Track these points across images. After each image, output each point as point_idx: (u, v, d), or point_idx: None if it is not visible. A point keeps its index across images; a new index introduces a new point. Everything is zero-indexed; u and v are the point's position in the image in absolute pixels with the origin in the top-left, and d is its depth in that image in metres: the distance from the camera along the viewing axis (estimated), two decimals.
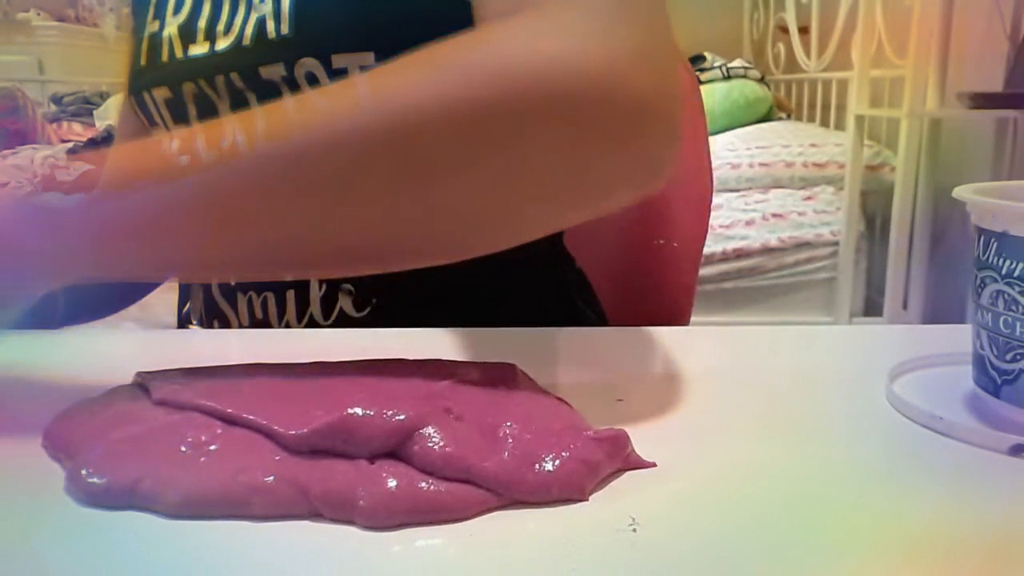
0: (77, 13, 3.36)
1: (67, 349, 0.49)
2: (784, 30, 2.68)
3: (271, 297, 0.57)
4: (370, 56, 0.51)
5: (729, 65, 2.64)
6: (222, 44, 0.54)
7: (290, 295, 0.56)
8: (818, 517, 0.28)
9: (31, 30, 3.12)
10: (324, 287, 0.56)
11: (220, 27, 0.54)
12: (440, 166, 0.37)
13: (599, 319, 0.66)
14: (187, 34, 0.56)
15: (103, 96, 2.96)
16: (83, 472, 0.29)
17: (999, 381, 0.34)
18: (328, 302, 0.56)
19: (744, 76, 2.62)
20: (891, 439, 0.34)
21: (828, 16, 2.33)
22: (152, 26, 0.58)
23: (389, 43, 0.48)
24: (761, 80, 2.67)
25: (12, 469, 0.31)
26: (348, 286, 0.56)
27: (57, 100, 2.97)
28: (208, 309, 0.61)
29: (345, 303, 0.56)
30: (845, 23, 2.18)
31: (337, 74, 0.51)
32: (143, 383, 0.35)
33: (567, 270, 0.65)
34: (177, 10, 0.57)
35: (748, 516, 0.27)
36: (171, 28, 0.57)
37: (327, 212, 0.37)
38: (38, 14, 3.18)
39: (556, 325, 0.56)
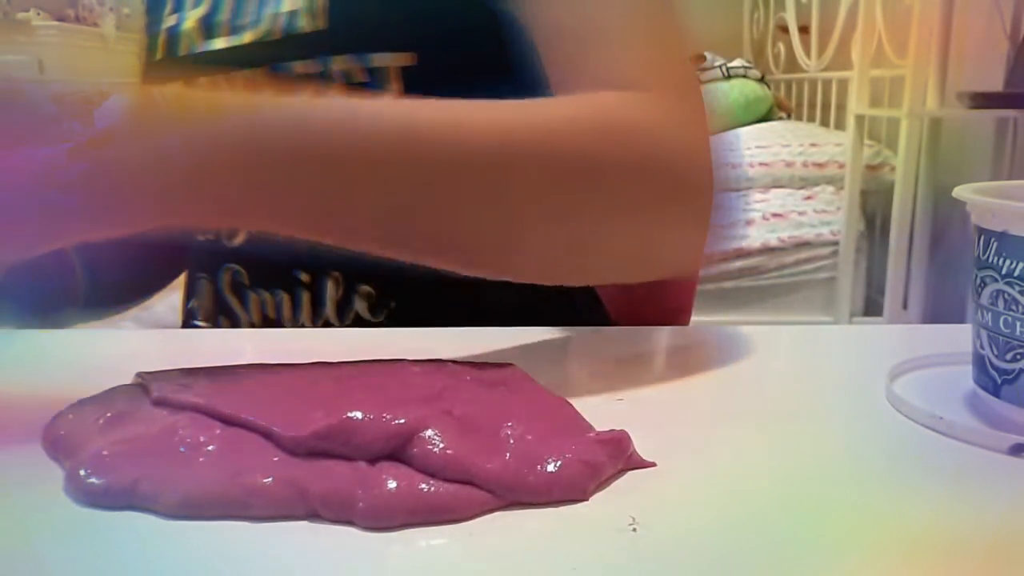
0: (77, 13, 3.36)
1: (67, 349, 0.49)
2: (784, 30, 2.68)
3: (286, 298, 0.56)
4: (411, 57, 0.50)
5: (729, 65, 2.65)
6: (247, 38, 0.53)
7: (305, 297, 0.56)
8: (818, 517, 0.28)
9: (31, 30, 3.12)
10: (341, 289, 0.55)
11: (244, 20, 0.53)
12: (571, 198, 0.41)
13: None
14: (208, 27, 0.54)
15: (103, 96, 2.95)
16: (82, 472, 0.29)
17: (999, 381, 0.34)
18: (343, 305, 0.55)
19: (744, 76, 2.62)
20: (891, 439, 0.34)
21: (828, 16, 2.33)
22: (170, 20, 0.57)
23: (430, 44, 0.49)
24: (761, 80, 2.67)
25: (11, 469, 0.31)
26: (367, 287, 0.55)
27: (57, 100, 2.96)
28: (218, 306, 0.60)
29: (361, 307, 0.55)
30: (845, 23, 2.18)
31: (375, 74, 0.51)
32: (143, 383, 0.35)
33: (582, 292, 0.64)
34: (197, 3, 0.56)
35: (748, 516, 0.27)
36: (190, 21, 0.55)
37: (462, 209, 0.40)
38: (38, 14, 3.18)
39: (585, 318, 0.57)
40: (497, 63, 0.49)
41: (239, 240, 0.58)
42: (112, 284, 0.65)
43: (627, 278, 0.47)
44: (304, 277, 0.56)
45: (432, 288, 0.53)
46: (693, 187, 0.44)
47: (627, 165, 0.42)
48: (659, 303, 0.74)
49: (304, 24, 0.51)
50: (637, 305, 0.74)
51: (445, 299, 0.54)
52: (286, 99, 0.39)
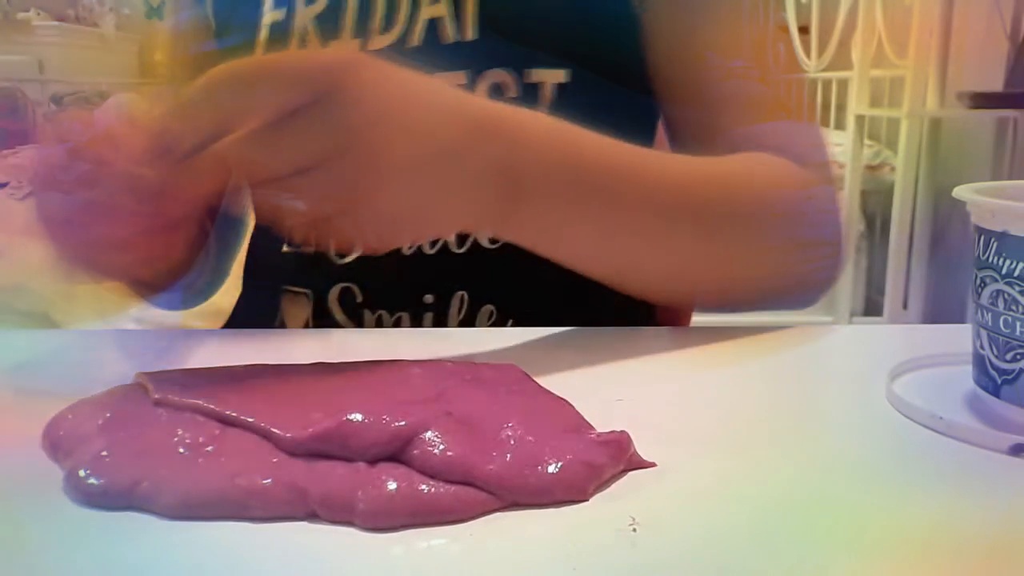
0: (77, 13, 3.36)
1: (67, 349, 0.48)
2: (784, 29, 2.68)
3: (406, 317, 0.55)
4: (564, 74, 0.50)
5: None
6: (377, 42, 0.50)
7: (428, 316, 0.54)
8: (818, 517, 0.28)
9: (31, 30, 3.12)
10: (465, 309, 0.54)
11: (374, 23, 0.51)
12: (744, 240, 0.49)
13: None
14: (328, 28, 0.51)
15: (103, 96, 2.96)
16: (81, 473, 0.28)
17: (999, 381, 0.34)
18: (465, 325, 0.54)
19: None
20: (891, 439, 0.34)
21: (828, 16, 2.33)
22: (274, 14, 0.53)
23: (582, 60, 0.50)
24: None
25: (10, 469, 0.31)
26: (489, 306, 0.54)
27: (57, 100, 2.97)
28: (320, 323, 0.56)
29: (482, 326, 0.54)
30: (845, 23, 2.18)
31: (529, 90, 0.50)
32: (143, 383, 0.35)
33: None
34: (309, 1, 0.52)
35: (748, 516, 0.27)
36: (302, 16, 0.52)
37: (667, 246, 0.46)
38: (38, 14, 3.18)
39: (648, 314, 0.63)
40: (637, 81, 0.54)
41: (350, 259, 0.55)
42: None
43: (764, 307, 0.56)
44: (428, 298, 0.54)
45: (547, 302, 0.54)
46: (829, 246, 0.54)
47: (793, 219, 0.50)
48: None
49: (450, 33, 0.49)
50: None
51: (559, 313, 0.53)
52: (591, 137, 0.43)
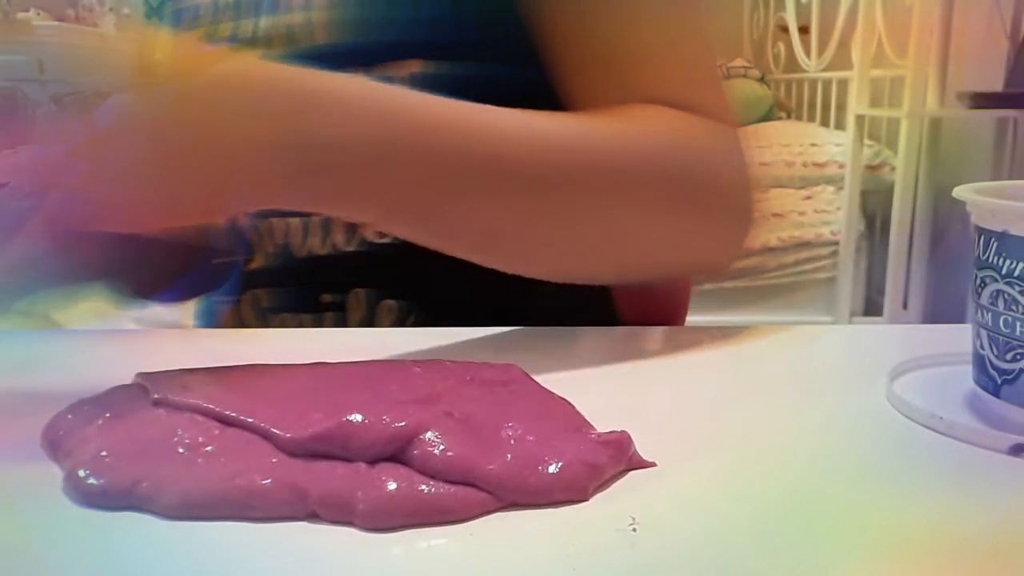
0: (77, 13, 3.36)
1: (67, 349, 0.48)
2: (784, 29, 2.68)
3: (307, 320, 0.56)
4: (418, 63, 0.50)
5: (729, 64, 2.65)
6: (252, 52, 0.52)
7: (328, 317, 0.55)
8: (818, 516, 0.27)
9: (31, 30, 3.12)
10: (364, 307, 0.55)
11: (245, 33, 0.53)
12: (645, 206, 0.45)
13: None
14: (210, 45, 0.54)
15: (103, 96, 2.95)
16: (81, 473, 0.28)
17: (999, 381, 0.34)
18: (367, 323, 0.55)
19: (744, 75, 2.62)
20: (891, 439, 0.34)
21: (828, 15, 2.33)
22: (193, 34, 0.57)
23: (436, 49, 0.49)
24: (761, 79, 2.67)
25: (10, 469, 0.31)
26: (390, 302, 0.55)
27: (57, 100, 2.96)
28: (236, 326, 0.60)
29: (385, 324, 0.55)
30: (845, 23, 2.18)
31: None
32: (142, 383, 0.35)
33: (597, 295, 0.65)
34: (196, 23, 0.55)
35: (748, 516, 0.27)
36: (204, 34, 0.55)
37: (560, 220, 0.43)
38: (38, 14, 3.18)
39: (596, 312, 0.59)
40: (501, 65, 0.51)
41: (256, 264, 0.58)
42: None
43: (664, 277, 0.52)
44: (326, 298, 0.56)
45: (453, 296, 0.53)
46: (734, 203, 0.49)
47: (692, 179, 0.46)
48: (654, 294, 0.74)
49: (303, 37, 0.50)
50: (632, 297, 0.74)
51: (466, 307, 0.54)
52: (402, 93, 0.41)
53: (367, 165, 0.38)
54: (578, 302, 0.59)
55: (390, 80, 0.50)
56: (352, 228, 0.54)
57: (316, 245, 0.55)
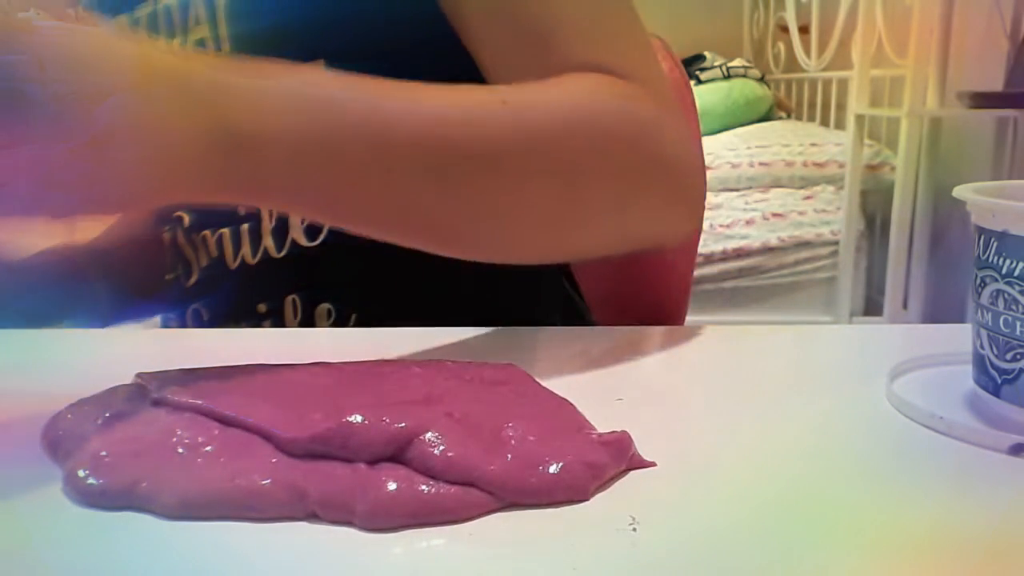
0: (77, 13, 3.36)
1: (67, 349, 0.48)
2: (784, 29, 2.68)
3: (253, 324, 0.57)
4: (320, 65, 0.48)
5: (729, 64, 2.64)
6: None
7: (266, 326, 0.56)
8: (818, 516, 0.27)
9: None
10: (300, 313, 0.55)
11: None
12: (576, 180, 0.43)
13: (582, 300, 0.67)
14: None
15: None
16: (80, 473, 0.28)
17: (999, 380, 0.34)
18: (306, 317, 0.55)
19: (744, 75, 2.62)
20: (891, 439, 0.34)
21: (828, 15, 2.33)
22: None
23: (337, 50, 0.49)
24: (761, 79, 2.67)
25: (10, 469, 0.31)
26: (325, 305, 0.55)
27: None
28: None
29: (323, 326, 0.55)
30: (845, 22, 2.18)
31: None
32: (142, 383, 0.35)
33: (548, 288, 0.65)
34: None
35: (748, 516, 0.27)
36: None
37: (437, 193, 0.40)
38: (38, 14, 3.18)
39: (548, 308, 0.57)
40: (409, 60, 0.48)
41: (193, 280, 0.59)
42: (99, 300, 0.65)
43: (611, 253, 0.49)
44: (261, 307, 0.56)
45: (389, 293, 0.53)
46: (676, 168, 0.47)
47: (622, 148, 0.44)
48: (652, 294, 0.75)
49: (210, 52, 0.50)
50: (631, 297, 0.75)
51: (403, 304, 0.54)
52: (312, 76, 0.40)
53: (287, 155, 0.37)
54: (523, 293, 0.59)
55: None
56: (282, 235, 0.54)
57: (248, 254, 0.56)
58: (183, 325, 0.60)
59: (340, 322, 0.55)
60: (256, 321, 0.56)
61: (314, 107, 0.38)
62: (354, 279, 0.52)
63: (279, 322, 0.56)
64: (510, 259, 0.46)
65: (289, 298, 0.55)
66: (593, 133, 0.43)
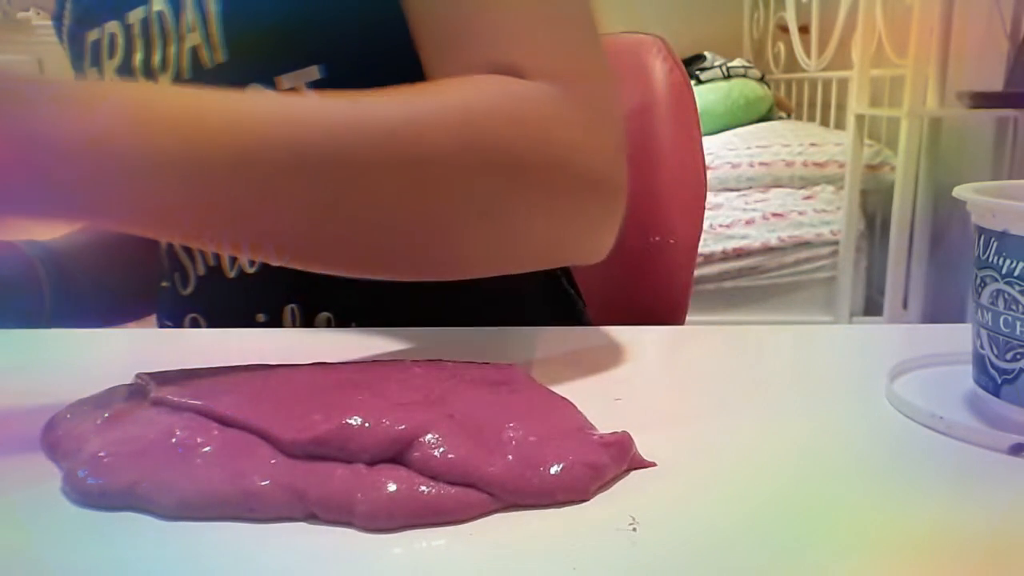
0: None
1: (67, 349, 0.48)
2: (784, 29, 2.68)
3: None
4: (316, 70, 0.49)
5: (729, 64, 2.64)
6: (162, 81, 0.52)
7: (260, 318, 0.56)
8: (818, 516, 0.27)
9: (31, 30, 3.12)
10: (299, 321, 0.55)
11: (155, 63, 0.53)
12: (448, 197, 0.40)
13: (580, 299, 0.67)
14: (125, 75, 0.54)
15: None
16: (79, 473, 0.28)
17: (999, 380, 0.34)
18: (305, 326, 0.55)
19: (744, 75, 2.62)
20: (891, 438, 0.34)
21: (828, 15, 2.33)
22: (92, 73, 0.57)
23: (333, 55, 0.48)
24: (761, 79, 2.67)
25: (9, 469, 0.31)
26: (325, 314, 0.55)
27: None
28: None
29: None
30: (845, 22, 2.18)
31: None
32: (141, 383, 0.35)
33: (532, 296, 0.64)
34: (111, 53, 0.55)
35: (748, 516, 0.27)
36: (108, 73, 0.55)
37: (331, 212, 0.38)
38: (38, 14, 3.18)
39: (547, 310, 0.56)
40: (407, 63, 0.47)
41: (190, 289, 0.59)
42: (81, 308, 0.65)
43: (522, 268, 0.45)
44: (260, 317, 0.56)
45: (388, 301, 0.53)
46: (570, 170, 0.42)
47: (488, 152, 0.40)
48: (652, 295, 0.75)
49: (205, 59, 0.50)
50: (631, 297, 0.75)
51: (402, 312, 0.54)
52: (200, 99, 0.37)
53: (121, 173, 0.34)
54: (514, 297, 0.58)
55: (294, 92, 0.48)
56: None
57: (245, 264, 0.56)
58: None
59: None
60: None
61: (159, 123, 0.35)
62: (353, 287, 0.52)
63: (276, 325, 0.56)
64: (378, 273, 0.43)
65: (288, 307, 0.55)
66: (452, 137, 0.39)
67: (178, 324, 0.60)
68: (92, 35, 0.57)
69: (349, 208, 0.38)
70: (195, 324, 0.59)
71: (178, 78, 0.51)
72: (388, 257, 0.41)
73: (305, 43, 0.50)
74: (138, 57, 0.54)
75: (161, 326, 0.64)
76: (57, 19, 0.62)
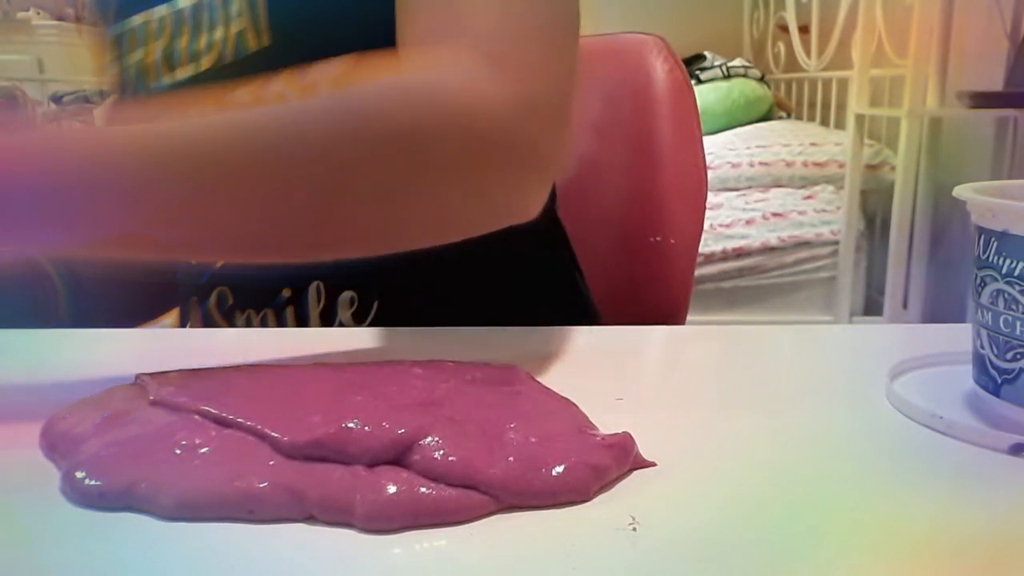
0: (77, 12, 3.36)
1: (67, 349, 0.48)
2: (784, 29, 2.68)
3: (270, 315, 0.57)
4: (352, 59, 0.49)
5: (729, 64, 2.64)
6: (205, 64, 0.53)
7: (289, 311, 0.56)
8: (818, 516, 0.27)
9: (31, 29, 3.12)
10: (323, 299, 0.55)
11: (200, 46, 0.53)
12: (361, 175, 0.40)
13: (591, 298, 0.67)
14: (169, 58, 0.55)
15: (103, 95, 2.95)
16: (78, 474, 0.28)
17: (999, 380, 0.34)
18: (327, 315, 0.55)
19: (744, 75, 2.62)
20: (891, 438, 0.34)
21: (828, 15, 2.33)
22: (136, 54, 0.57)
23: (372, 40, 0.49)
24: (761, 79, 2.67)
25: (9, 469, 0.31)
26: (349, 293, 0.55)
27: (57, 99, 2.96)
28: (207, 325, 0.61)
29: (344, 315, 0.55)
30: (845, 22, 2.18)
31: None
32: (141, 384, 0.35)
33: (565, 248, 0.65)
34: (159, 35, 0.56)
35: (748, 515, 0.27)
36: (152, 55, 0.56)
37: (254, 203, 0.38)
38: (38, 13, 3.18)
39: (560, 303, 0.57)
40: None
41: (221, 263, 0.59)
42: (98, 308, 0.66)
43: (444, 239, 0.45)
44: (286, 292, 0.56)
45: (413, 284, 0.53)
46: (501, 142, 0.42)
47: (434, 132, 0.40)
48: (653, 294, 0.75)
49: (251, 43, 0.51)
50: (631, 296, 0.75)
51: (427, 294, 0.54)
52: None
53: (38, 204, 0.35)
54: (540, 282, 0.59)
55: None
56: None
57: None
58: (206, 309, 0.60)
59: (363, 310, 0.55)
60: (279, 306, 0.56)
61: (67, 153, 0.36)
62: (377, 266, 0.52)
63: (302, 308, 0.56)
64: (287, 258, 0.43)
65: (313, 284, 0.55)
66: (336, 131, 0.40)
67: (204, 300, 0.61)
68: (138, 19, 0.57)
69: (232, 208, 0.38)
70: (222, 299, 0.59)
71: (220, 62, 0.52)
72: (291, 245, 0.41)
73: (345, 29, 0.50)
74: (183, 40, 0.54)
75: (185, 303, 0.64)
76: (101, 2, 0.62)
